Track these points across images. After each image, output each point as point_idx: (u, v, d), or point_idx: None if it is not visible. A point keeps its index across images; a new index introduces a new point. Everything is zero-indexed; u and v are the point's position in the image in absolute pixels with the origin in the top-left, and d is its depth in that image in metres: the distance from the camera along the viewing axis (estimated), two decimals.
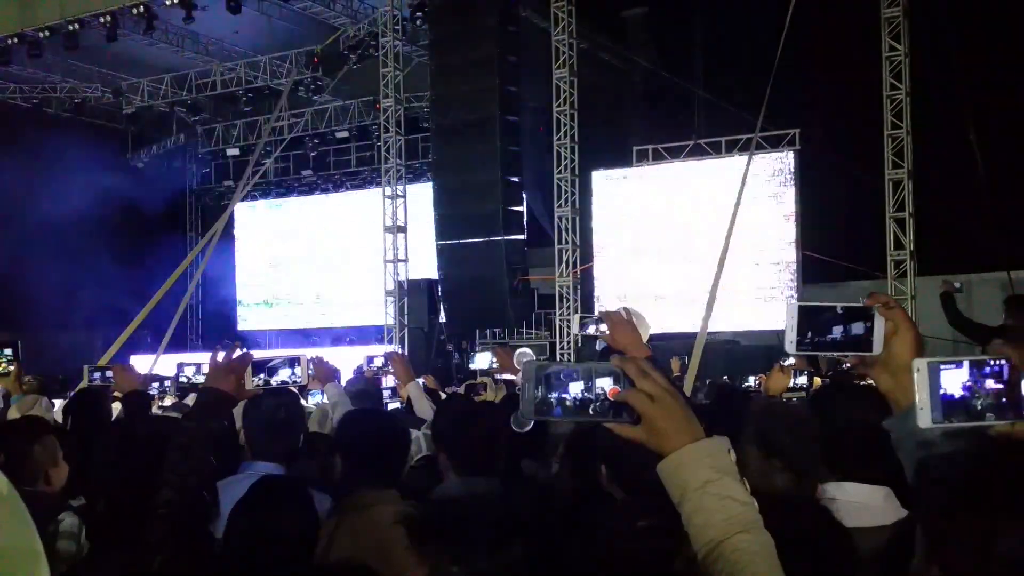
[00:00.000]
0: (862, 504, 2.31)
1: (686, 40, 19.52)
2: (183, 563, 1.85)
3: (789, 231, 16.72)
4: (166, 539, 1.86)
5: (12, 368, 5.88)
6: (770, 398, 5.75)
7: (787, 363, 6.25)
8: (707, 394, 8.25)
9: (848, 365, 1.73)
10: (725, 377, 11.89)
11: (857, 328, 1.62)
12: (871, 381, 1.69)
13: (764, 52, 12.42)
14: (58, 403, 7.31)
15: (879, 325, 1.62)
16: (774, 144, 16.56)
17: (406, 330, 18.49)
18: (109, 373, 5.72)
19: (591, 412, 1.48)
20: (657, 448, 1.47)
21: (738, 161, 16.35)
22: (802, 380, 6.74)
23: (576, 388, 1.48)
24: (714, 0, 18.41)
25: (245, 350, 2.31)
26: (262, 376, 2.47)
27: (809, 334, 1.62)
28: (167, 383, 7.08)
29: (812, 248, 16.61)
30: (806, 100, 16.74)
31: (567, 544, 1.69)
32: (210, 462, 2.02)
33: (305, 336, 23.85)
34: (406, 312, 18.49)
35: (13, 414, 5.72)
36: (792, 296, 16.40)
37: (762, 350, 14.81)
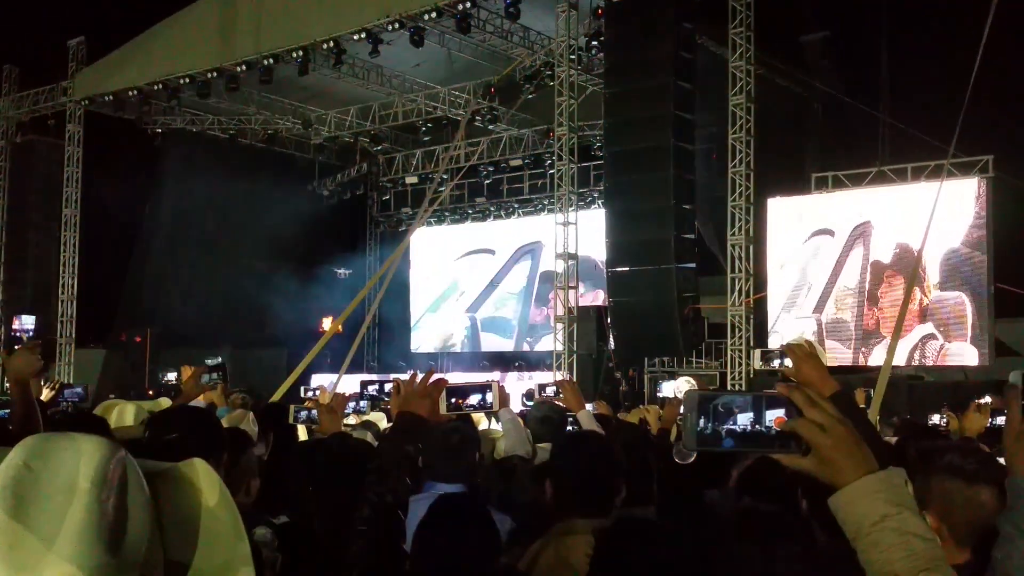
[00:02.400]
0: None
1: (869, 64, 18.89)
2: None
3: (981, 262, 15.83)
4: (364, 556, 1.95)
5: (219, 383, 6.27)
6: (965, 439, 5.46)
7: (984, 401, 5.93)
8: (896, 431, 7.91)
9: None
10: (908, 415, 11.34)
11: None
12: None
13: (954, 74, 11.86)
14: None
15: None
16: (965, 171, 15.76)
17: (575, 356, 18.56)
18: (314, 411, 5.54)
19: (757, 443, 1.43)
20: (829, 480, 1.40)
21: (926, 188, 15.68)
22: (1000, 420, 6.38)
23: (743, 418, 1.42)
24: (900, 22, 17.75)
25: (439, 375, 2.39)
26: (455, 400, 2.56)
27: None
28: (363, 404, 7.35)
29: (1006, 280, 15.66)
30: (1000, 124, 15.85)
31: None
32: (405, 483, 2.11)
33: (474, 361, 24.32)
34: (575, 338, 18.57)
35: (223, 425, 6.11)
36: (976, 332, 15.50)
37: (947, 387, 14.07)
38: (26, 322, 23.62)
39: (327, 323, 21.11)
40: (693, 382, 9.77)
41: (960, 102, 10.85)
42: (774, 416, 1.42)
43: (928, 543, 1.36)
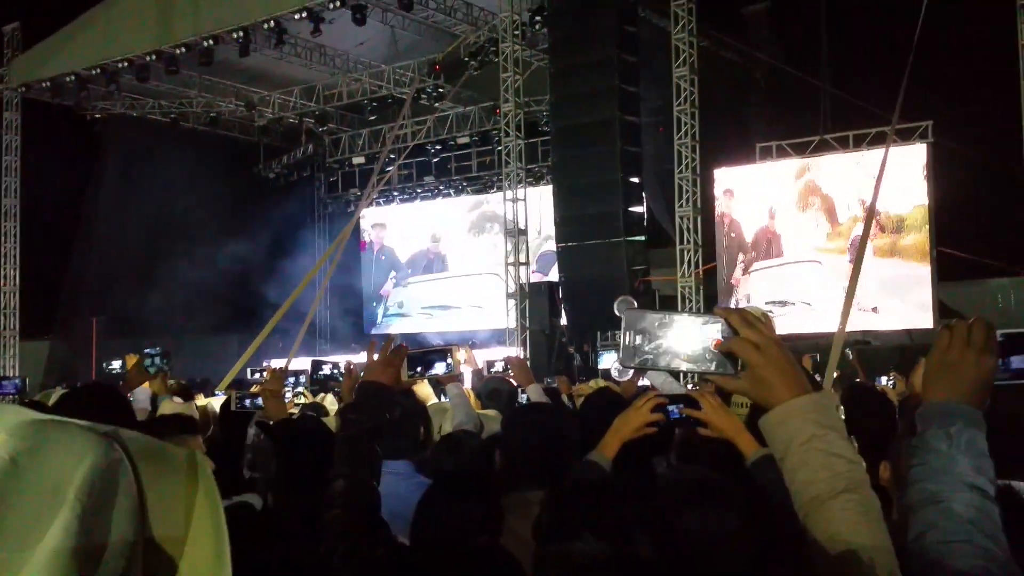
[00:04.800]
0: None
1: (811, 34, 19.06)
2: (364, 550, 1.93)
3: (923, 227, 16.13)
4: (346, 528, 1.95)
5: (161, 372, 6.18)
6: (915, 395, 5.57)
7: None
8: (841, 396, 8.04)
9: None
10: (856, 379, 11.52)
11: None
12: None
13: (894, 43, 12.04)
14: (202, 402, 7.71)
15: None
16: (906, 137, 16.01)
17: (527, 333, 18.61)
18: (259, 399, 5.15)
19: (692, 360, 1.40)
20: (761, 401, 1.39)
21: (868, 155, 15.92)
22: None
23: (678, 336, 1.39)
24: None
25: (400, 343, 2.37)
26: (417, 369, 2.55)
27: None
28: (302, 377, 7.31)
29: (948, 244, 15.97)
30: (938, 91, 16.11)
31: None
32: (376, 452, 2.11)
33: (428, 341, 24.29)
34: (527, 315, 18.62)
35: (167, 405, 6.07)
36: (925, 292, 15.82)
37: (894, 351, 14.33)
38: None
39: (276, 307, 20.93)
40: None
41: (900, 69, 11.02)
42: (711, 338, 1.40)
43: (851, 465, 1.36)
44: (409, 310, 25.83)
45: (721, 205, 18.15)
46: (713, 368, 1.40)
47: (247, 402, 5.21)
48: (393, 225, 26.26)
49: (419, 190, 25.83)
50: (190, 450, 0.98)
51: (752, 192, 17.91)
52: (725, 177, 18.19)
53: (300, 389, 7.45)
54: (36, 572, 0.81)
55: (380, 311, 26.38)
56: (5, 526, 0.81)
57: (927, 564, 1.32)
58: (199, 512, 0.93)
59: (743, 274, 17.96)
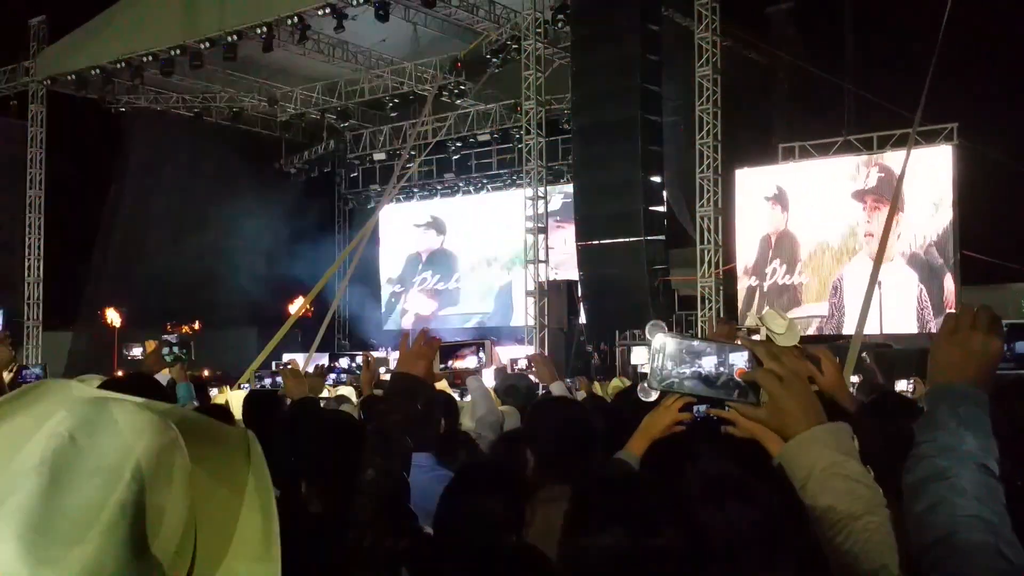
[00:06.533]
0: None
1: (835, 34, 18.96)
2: (392, 539, 1.94)
3: (948, 230, 16.02)
4: (374, 518, 1.96)
5: (180, 360, 6.24)
6: None
7: None
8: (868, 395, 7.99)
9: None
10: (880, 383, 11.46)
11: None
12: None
13: (919, 44, 11.94)
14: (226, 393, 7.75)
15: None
16: (931, 139, 15.90)
17: (546, 330, 18.62)
18: (279, 378, 5.54)
19: (717, 388, 1.48)
20: (780, 430, 1.47)
21: (892, 157, 15.82)
22: None
23: (707, 363, 1.48)
24: None
25: (433, 336, 2.37)
26: (449, 362, 2.55)
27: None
28: (344, 375, 7.32)
29: (972, 248, 15.85)
30: (964, 93, 15.99)
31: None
32: (407, 444, 2.12)
33: (447, 337, 24.32)
34: (546, 312, 18.62)
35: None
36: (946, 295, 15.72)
37: (916, 354, 14.23)
38: None
39: (297, 302, 21.03)
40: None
41: (925, 71, 10.92)
42: (736, 367, 1.47)
43: (871, 489, 1.44)
44: (424, 308, 25.88)
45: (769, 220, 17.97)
46: (736, 396, 1.48)
47: (267, 381, 5.26)
48: (414, 222, 26.31)
49: (439, 187, 25.87)
50: (242, 428, 0.99)
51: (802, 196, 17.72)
52: (746, 177, 18.10)
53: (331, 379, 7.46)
54: (94, 548, 0.81)
55: (398, 307, 26.44)
56: (63, 502, 0.82)
57: (936, 537, 1.36)
58: (250, 490, 0.94)
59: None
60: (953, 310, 1.62)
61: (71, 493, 0.83)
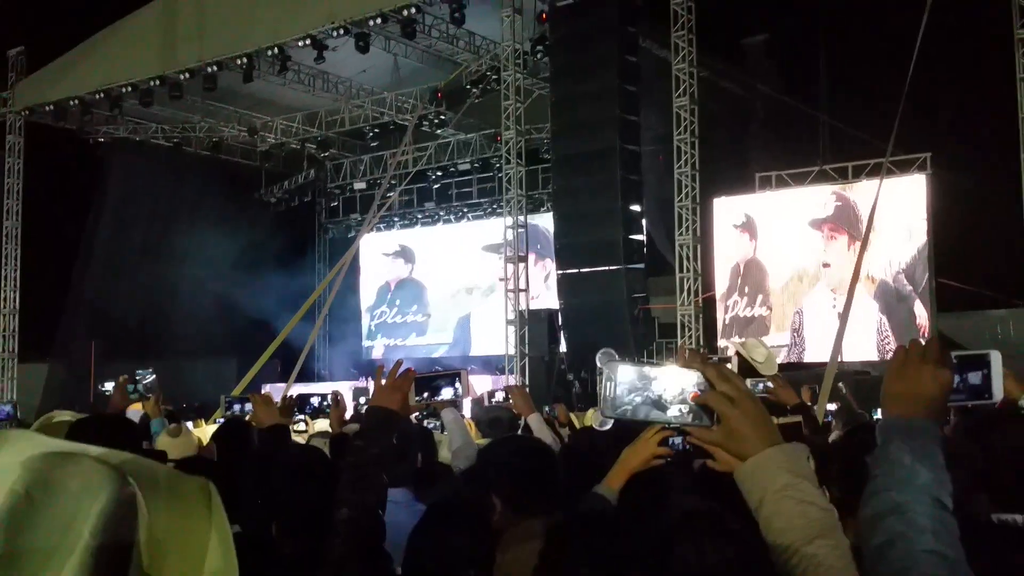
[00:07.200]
0: None
1: (809, 65, 19.21)
2: None
3: (916, 258, 16.18)
4: (347, 557, 1.93)
5: (151, 395, 6.13)
6: None
7: None
8: (844, 424, 8.02)
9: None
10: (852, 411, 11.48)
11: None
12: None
13: (892, 75, 12.12)
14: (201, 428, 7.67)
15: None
16: (904, 168, 16.09)
17: (527, 359, 18.59)
18: (248, 405, 5.36)
19: (670, 413, 1.46)
20: (735, 452, 1.44)
21: (866, 186, 15.97)
22: None
23: (659, 388, 1.46)
24: (838, 24, 18.08)
25: (408, 368, 2.34)
26: (424, 394, 2.52)
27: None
28: (324, 404, 7.19)
29: (947, 275, 16.01)
30: (937, 123, 16.22)
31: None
32: (383, 480, 2.10)
33: (427, 366, 24.23)
34: (527, 342, 18.60)
35: (164, 440, 6.02)
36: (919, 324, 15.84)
37: None
38: None
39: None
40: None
41: (898, 101, 11.07)
42: (688, 391, 1.46)
43: (824, 512, 1.41)
44: (401, 337, 25.82)
45: (737, 248, 18.09)
46: (690, 420, 1.46)
47: (236, 407, 5.17)
48: (393, 251, 26.30)
49: (420, 216, 25.90)
50: (202, 480, 0.97)
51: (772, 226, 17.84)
52: (723, 206, 18.25)
53: (302, 417, 7.40)
54: None
55: (377, 337, 26.36)
56: (20, 561, 0.81)
57: (894, 571, 1.36)
58: (212, 544, 0.92)
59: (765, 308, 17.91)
60: (923, 338, 1.62)
61: (28, 551, 0.81)
